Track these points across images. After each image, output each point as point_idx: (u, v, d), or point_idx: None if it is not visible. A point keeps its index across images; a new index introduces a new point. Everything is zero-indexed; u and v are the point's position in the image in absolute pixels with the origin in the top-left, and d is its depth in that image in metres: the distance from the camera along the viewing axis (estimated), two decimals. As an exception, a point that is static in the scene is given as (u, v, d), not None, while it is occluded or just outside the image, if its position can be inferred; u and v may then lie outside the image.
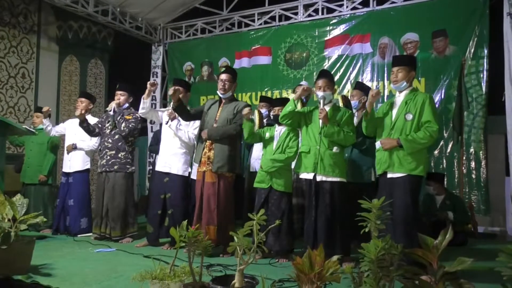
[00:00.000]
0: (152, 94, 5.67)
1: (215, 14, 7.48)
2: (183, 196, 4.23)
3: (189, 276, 2.28)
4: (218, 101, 3.98)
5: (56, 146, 5.35)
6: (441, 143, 5.53)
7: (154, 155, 5.60)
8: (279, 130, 3.85)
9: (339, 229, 3.36)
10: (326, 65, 6.40)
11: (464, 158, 5.34)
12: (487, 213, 5.31)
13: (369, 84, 5.89)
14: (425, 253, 1.77)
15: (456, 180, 5.43)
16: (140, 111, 4.20)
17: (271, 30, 6.94)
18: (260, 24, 7.10)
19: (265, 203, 3.73)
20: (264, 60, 6.93)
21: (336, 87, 5.95)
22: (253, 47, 7.03)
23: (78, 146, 4.97)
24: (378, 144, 3.25)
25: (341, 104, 3.97)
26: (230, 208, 3.85)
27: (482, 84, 5.37)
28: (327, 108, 3.49)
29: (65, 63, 7.64)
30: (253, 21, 7.14)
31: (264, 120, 4.43)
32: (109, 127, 4.55)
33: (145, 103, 4.12)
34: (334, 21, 6.46)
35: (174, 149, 4.22)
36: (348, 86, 6.24)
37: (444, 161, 5.54)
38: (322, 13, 6.63)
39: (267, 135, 3.88)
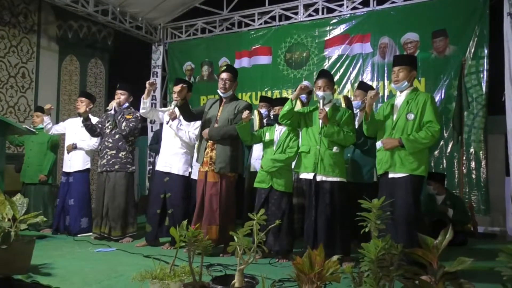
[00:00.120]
0: (152, 94, 5.68)
1: (215, 14, 7.48)
2: (183, 196, 4.23)
3: (189, 276, 2.29)
4: (219, 101, 3.98)
5: (56, 146, 5.36)
6: (441, 143, 5.52)
7: (154, 154, 5.60)
8: (279, 130, 3.84)
9: (339, 229, 3.36)
10: (326, 65, 6.40)
11: (464, 158, 5.34)
12: (487, 213, 5.31)
13: (369, 84, 5.88)
14: (425, 253, 1.77)
15: (456, 180, 5.43)
16: (141, 111, 4.21)
17: (271, 30, 6.94)
18: (260, 24, 7.10)
19: (266, 203, 3.73)
20: (264, 60, 6.93)
21: (336, 87, 5.95)
22: (253, 47, 7.03)
23: (78, 146, 4.97)
24: (379, 144, 3.24)
25: (343, 105, 3.97)
26: (232, 208, 3.85)
27: (482, 84, 5.37)
28: (327, 108, 3.49)
29: (65, 62, 7.64)
30: (253, 21, 7.14)
31: (264, 120, 4.44)
32: (110, 127, 4.55)
33: (145, 103, 4.13)
34: (334, 21, 6.46)
35: (175, 149, 4.22)
36: (348, 86, 6.24)
37: (444, 161, 5.54)
38: (322, 13, 6.62)
39: (267, 135, 3.88)
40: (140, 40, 7.73)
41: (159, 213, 4.18)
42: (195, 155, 4.24)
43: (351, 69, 6.26)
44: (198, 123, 4.14)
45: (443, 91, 5.61)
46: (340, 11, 6.44)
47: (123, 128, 4.47)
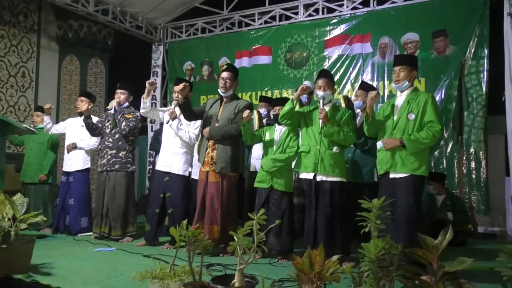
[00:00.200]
0: (152, 94, 5.68)
1: (215, 13, 7.48)
2: (183, 196, 4.23)
3: (189, 276, 2.29)
4: (219, 100, 3.97)
5: (56, 145, 5.36)
6: (441, 143, 5.52)
7: (154, 154, 5.60)
8: (279, 130, 3.84)
9: (339, 229, 3.36)
10: (326, 65, 6.39)
11: (464, 158, 5.34)
12: (487, 213, 5.31)
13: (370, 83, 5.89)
14: (425, 253, 1.77)
15: (456, 180, 5.43)
16: (141, 110, 4.22)
17: (271, 29, 6.94)
18: (261, 23, 7.10)
19: (266, 202, 3.73)
20: (264, 59, 6.93)
21: (336, 87, 5.95)
22: (253, 47, 7.03)
23: (78, 145, 4.97)
24: (379, 144, 3.24)
25: (343, 105, 3.97)
26: (233, 207, 3.85)
27: (482, 84, 5.37)
28: (327, 108, 3.49)
29: (65, 62, 7.64)
30: (253, 20, 7.14)
31: (264, 120, 4.44)
32: (110, 126, 4.55)
33: (145, 103, 4.13)
34: (334, 21, 6.46)
35: (175, 149, 4.22)
36: (348, 86, 6.24)
37: (444, 161, 5.54)
38: (322, 13, 6.63)
39: (267, 135, 3.88)
40: (140, 39, 7.73)
41: (158, 213, 4.18)
42: (195, 155, 4.25)
43: (351, 69, 6.26)
44: (198, 122, 4.14)
45: (443, 91, 5.61)
46: (340, 11, 6.44)
47: (123, 127, 4.47)
